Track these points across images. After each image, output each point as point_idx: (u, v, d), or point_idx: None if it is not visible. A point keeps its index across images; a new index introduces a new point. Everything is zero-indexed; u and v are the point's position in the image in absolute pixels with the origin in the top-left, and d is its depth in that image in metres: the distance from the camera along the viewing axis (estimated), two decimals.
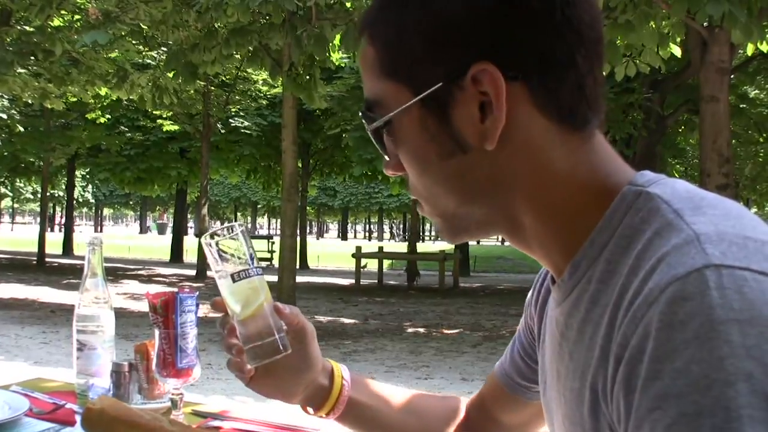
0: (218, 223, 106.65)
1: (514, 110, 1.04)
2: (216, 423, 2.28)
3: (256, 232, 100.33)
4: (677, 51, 11.90)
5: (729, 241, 0.88)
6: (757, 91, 25.54)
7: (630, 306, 0.91)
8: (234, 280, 1.49)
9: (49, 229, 44.79)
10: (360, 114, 1.17)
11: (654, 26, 10.88)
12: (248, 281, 1.49)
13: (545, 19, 1.02)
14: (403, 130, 1.10)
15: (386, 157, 1.18)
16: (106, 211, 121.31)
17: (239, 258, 1.50)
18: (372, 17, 1.13)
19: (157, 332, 2.05)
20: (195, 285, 19.60)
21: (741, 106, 23.25)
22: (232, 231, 1.51)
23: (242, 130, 30.20)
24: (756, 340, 0.79)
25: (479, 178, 1.08)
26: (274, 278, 16.06)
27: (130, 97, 18.42)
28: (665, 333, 0.83)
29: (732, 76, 15.11)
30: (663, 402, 0.81)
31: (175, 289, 2.07)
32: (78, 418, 2.16)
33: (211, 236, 1.51)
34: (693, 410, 0.78)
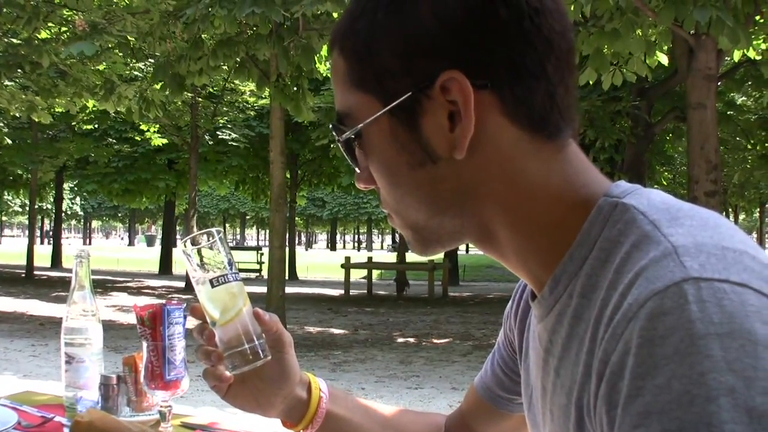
0: None
1: (484, 119, 1.03)
2: None
3: (245, 243, 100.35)
4: (664, 59, 11.93)
5: (707, 253, 0.87)
6: (744, 98, 25.61)
7: (610, 321, 0.90)
8: (212, 286, 1.46)
9: (39, 241, 44.58)
10: (330, 126, 1.16)
11: (641, 34, 10.91)
12: (227, 287, 1.46)
13: (514, 28, 1.01)
14: (373, 141, 1.10)
15: (357, 170, 1.17)
16: (95, 224, 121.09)
17: (218, 263, 1.47)
18: (342, 29, 1.12)
19: (145, 344, 2.04)
20: (184, 297, 19.57)
21: (728, 112, 23.34)
22: (211, 237, 1.49)
23: (230, 142, 30.19)
24: (737, 353, 0.78)
25: (450, 189, 1.07)
26: (263, 289, 16.04)
27: (118, 110, 18.34)
28: (645, 349, 0.83)
29: (719, 83, 15.14)
30: (645, 419, 0.80)
31: (163, 302, 2.06)
32: (66, 431, 2.15)
33: (190, 242, 1.48)
34: (675, 427, 0.77)
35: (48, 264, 39.84)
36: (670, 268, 0.86)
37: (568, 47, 1.07)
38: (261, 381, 1.51)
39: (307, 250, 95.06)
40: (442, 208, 1.09)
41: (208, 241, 1.49)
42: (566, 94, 1.07)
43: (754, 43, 11.86)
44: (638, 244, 0.94)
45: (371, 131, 1.09)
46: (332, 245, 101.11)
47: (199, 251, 1.48)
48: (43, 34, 18.55)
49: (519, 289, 1.47)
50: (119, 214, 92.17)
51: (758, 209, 49.59)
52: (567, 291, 1.05)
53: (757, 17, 11.09)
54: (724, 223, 0.95)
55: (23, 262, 33.79)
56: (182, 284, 28.11)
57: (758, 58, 13.24)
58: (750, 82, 20.51)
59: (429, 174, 1.06)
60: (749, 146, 26.48)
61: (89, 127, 30.68)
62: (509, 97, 1.03)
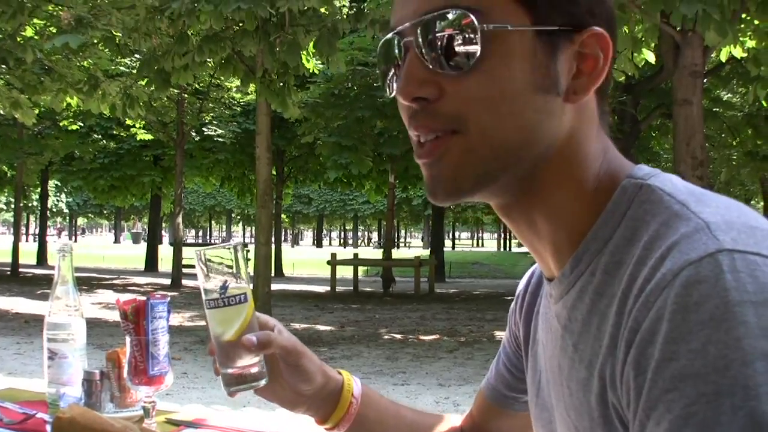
0: (193, 231, 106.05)
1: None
2: (190, 431, 2.25)
3: (231, 240, 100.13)
4: (651, 57, 11.96)
5: (738, 230, 0.91)
6: (730, 95, 25.68)
7: (640, 293, 0.93)
8: (206, 307, 1.45)
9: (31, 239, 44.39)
10: (444, 4, 1.04)
11: (627, 31, 10.92)
12: (217, 311, 1.44)
13: None
14: (508, 48, 1.04)
15: (437, 67, 1.05)
16: (81, 221, 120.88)
17: (216, 282, 1.44)
18: None
19: (128, 339, 2.02)
20: (170, 294, 19.53)
21: (714, 109, 23.38)
22: (225, 249, 1.47)
23: (216, 138, 30.14)
24: None
25: (551, 127, 1.07)
26: (250, 286, 16.05)
27: (102, 110, 18.21)
28: (680, 315, 0.85)
29: (705, 80, 15.19)
30: (680, 382, 0.82)
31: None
32: (48, 427, 2.12)
33: (202, 251, 1.46)
34: (712, 390, 0.80)
35: (33, 261, 39.74)
36: (703, 240, 0.90)
37: None
38: (282, 381, 1.56)
39: (293, 246, 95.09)
40: (534, 141, 1.07)
41: (214, 251, 1.47)
42: None
43: (741, 39, 11.87)
44: (668, 222, 0.98)
45: (512, 38, 1.04)
46: (318, 242, 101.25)
47: (202, 261, 1.46)
48: (28, 32, 18.46)
49: (523, 284, 1.50)
50: (105, 212, 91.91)
51: None
52: (589, 269, 1.07)
53: (744, 15, 11.13)
54: (746, 208, 0.99)
55: (8, 259, 33.69)
56: (168, 281, 28.08)
57: (744, 55, 13.26)
58: (736, 80, 20.57)
59: (547, 103, 1.06)
60: (735, 143, 26.55)
61: (75, 127, 30.52)
62: None
